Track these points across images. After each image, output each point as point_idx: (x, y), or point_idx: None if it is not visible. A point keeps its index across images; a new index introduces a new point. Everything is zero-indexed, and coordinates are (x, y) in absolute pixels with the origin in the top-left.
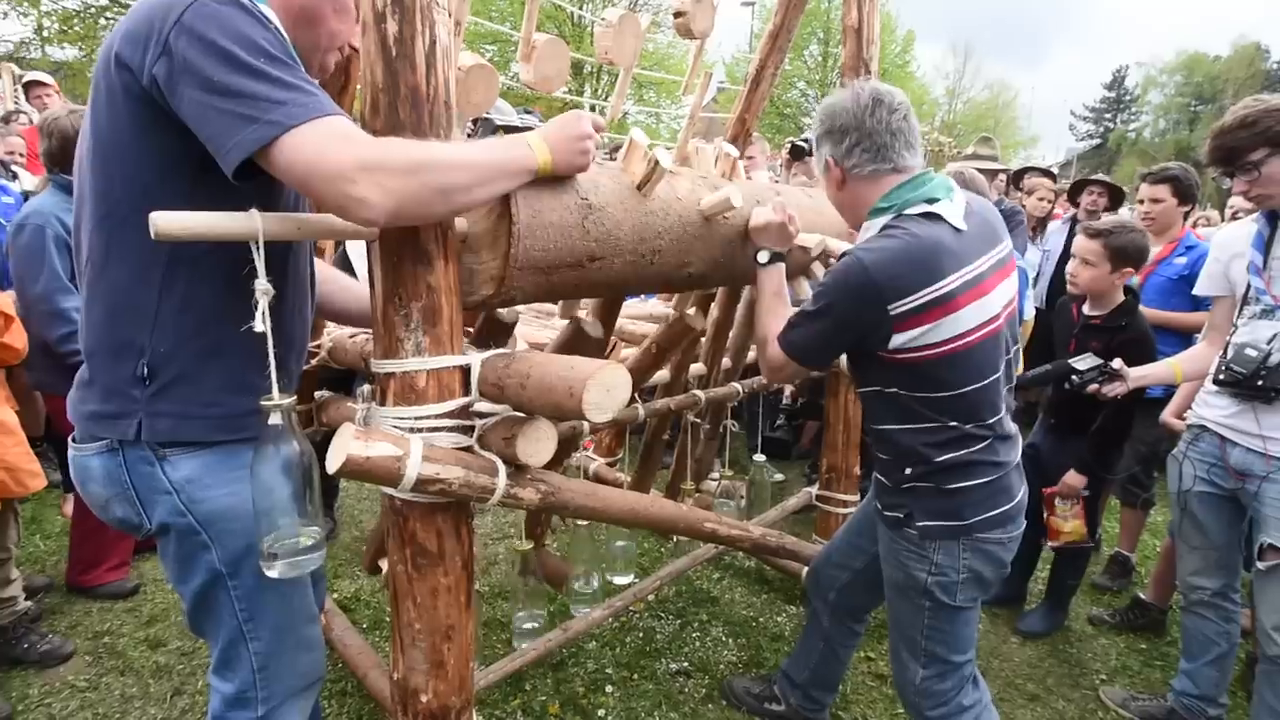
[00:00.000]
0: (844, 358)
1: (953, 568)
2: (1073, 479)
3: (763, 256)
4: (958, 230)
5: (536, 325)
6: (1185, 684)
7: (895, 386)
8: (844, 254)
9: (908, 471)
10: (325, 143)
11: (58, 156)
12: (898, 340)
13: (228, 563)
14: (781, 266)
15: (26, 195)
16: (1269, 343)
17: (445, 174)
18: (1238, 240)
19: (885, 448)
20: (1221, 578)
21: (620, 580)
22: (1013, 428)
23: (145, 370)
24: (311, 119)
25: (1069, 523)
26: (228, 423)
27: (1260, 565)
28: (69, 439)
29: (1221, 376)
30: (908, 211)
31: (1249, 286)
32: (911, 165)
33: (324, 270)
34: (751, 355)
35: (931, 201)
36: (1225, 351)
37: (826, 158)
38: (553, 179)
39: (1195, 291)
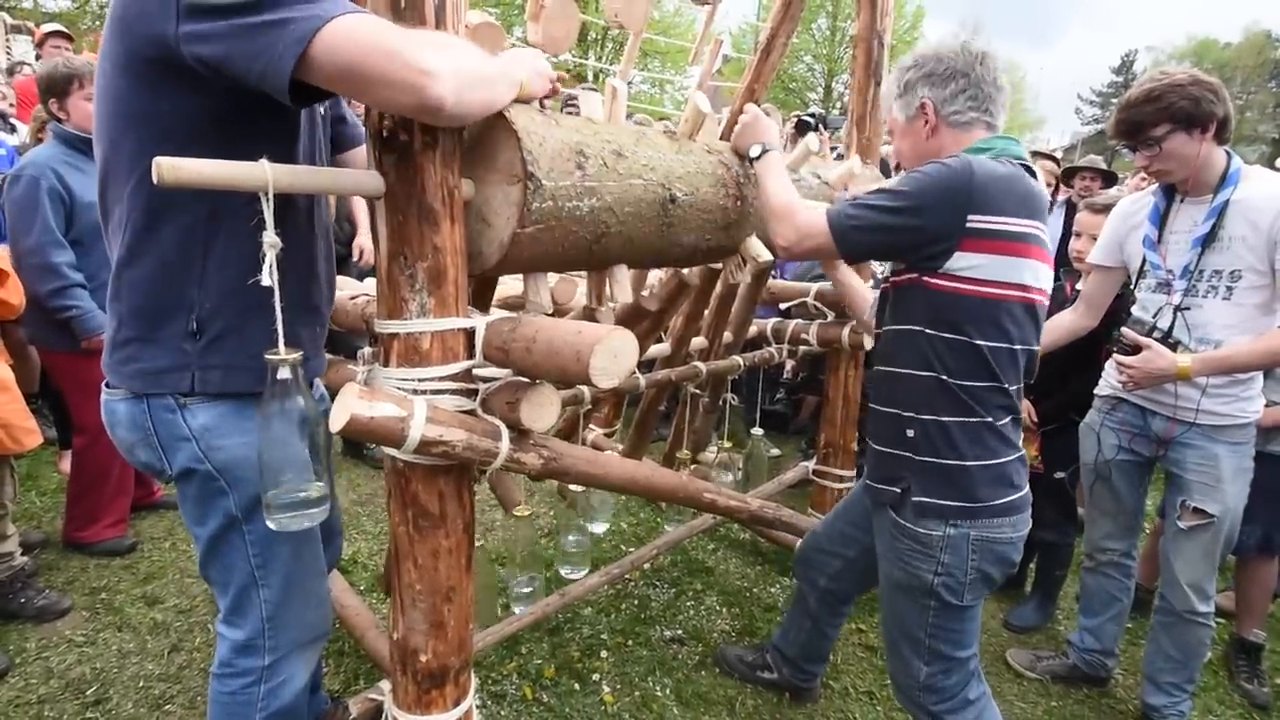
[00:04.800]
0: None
1: (960, 568)
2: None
3: (754, 150)
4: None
5: (514, 281)
6: (1089, 640)
7: (928, 325)
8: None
9: (910, 434)
10: (374, 24)
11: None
12: (960, 262)
13: (243, 509)
14: (777, 154)
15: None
16: (1154, 315)
17: (479, 64)
18: (1137, 213)
19: (894, 397)
20: (1128, 539)
21: (597, 529)
22: (1020, 416)
23: (195, 325)
24: (350, 12)
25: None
26: None
27: (1181, 525)
28: (102, 385)
29: (1114, 350)
30: (1006, 158)
31: (1144, 260)
32: (1000, 125)
33: None
34: (753, 329)
35: (1022, 160)
36: (1120, 324)
37: (922, 99)
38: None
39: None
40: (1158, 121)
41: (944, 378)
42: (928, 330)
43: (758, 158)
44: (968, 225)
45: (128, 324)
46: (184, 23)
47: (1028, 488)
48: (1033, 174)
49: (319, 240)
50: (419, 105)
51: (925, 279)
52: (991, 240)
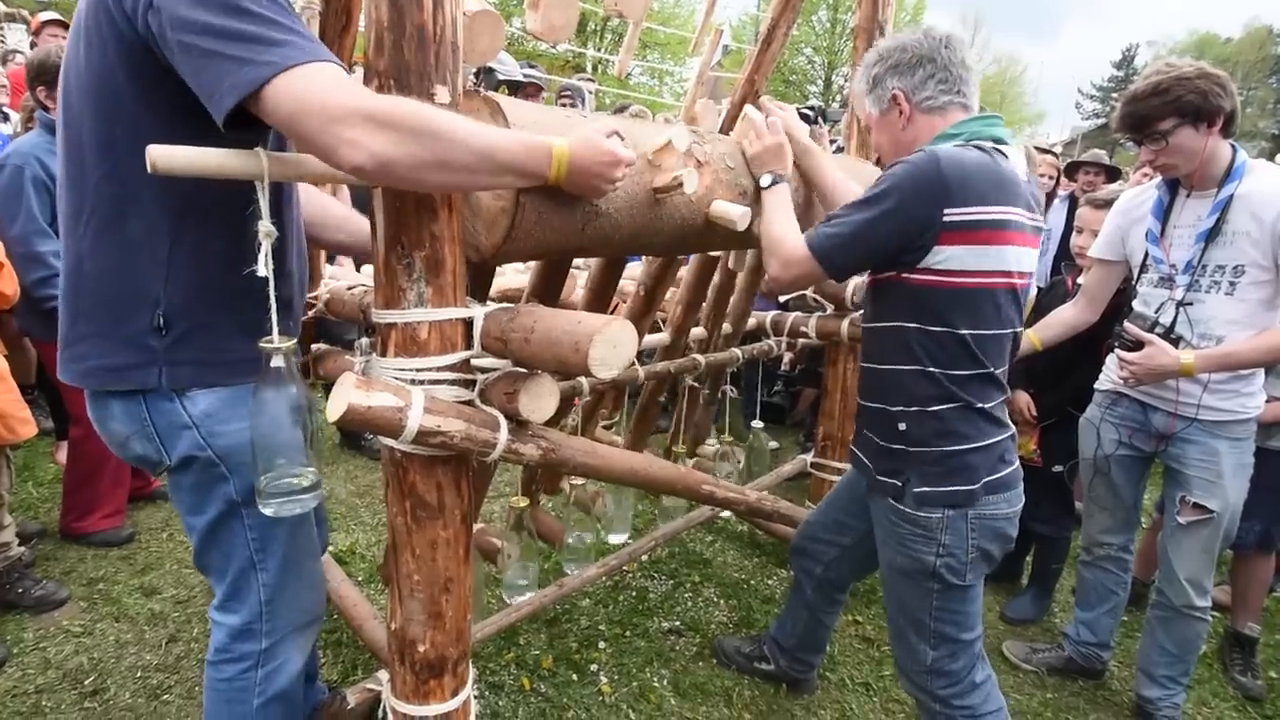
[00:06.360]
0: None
1: (961, 548)
2: (1018, 399)
3: (765, 180)
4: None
5: (511, 274)
6: (1085, 633)
7: (912, 320)
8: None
9: (902, 427)
10: (324, 82)
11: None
12: (938, 256)
13: (243, 493)
14: (786, 186)
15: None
16: (1156, 310)
17: (452, 145)
18: (1139, 206)
19: (882, 394)
20: (1126, 533)
21: (615, 539)
22: (1007, 396)
23: (161, 321)
24: (311, 62)
25: (1022, 442)
26: (245, 365)
27: (1181, 520)
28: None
29: (1115, 344)
30: (977, 142)
31: (1147, 254)
32: (974, 105)
33: (315, 199)
34: (752, 322)
35: (999, 143)
36: (1121, 319)
37: (893, 91)
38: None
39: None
40: (1165, 115)
41: (931, 369)
42: (911, 325)
43: (768, 187)
44: (945, 219)
45: (85, 319)
46: (148, 12)
47: (1018, 462)
48: (1005, 155)
49: (290, 234)
50: (340, 169)
51: (904, 275)
52: (969, 231)
